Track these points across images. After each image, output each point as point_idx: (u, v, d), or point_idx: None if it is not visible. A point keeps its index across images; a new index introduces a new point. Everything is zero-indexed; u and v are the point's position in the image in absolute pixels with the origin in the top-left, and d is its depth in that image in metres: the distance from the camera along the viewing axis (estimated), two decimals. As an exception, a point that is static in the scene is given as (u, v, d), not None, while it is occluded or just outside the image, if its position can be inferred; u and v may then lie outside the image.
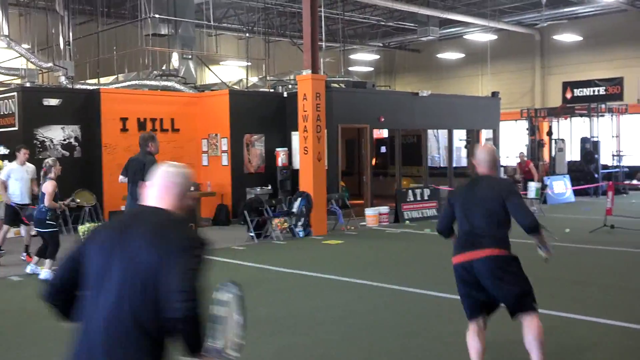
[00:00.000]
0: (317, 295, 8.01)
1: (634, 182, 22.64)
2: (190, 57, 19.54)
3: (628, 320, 6.46)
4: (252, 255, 11.02)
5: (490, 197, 4.60)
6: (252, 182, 15.76)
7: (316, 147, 13.21)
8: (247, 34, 24.20)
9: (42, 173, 9.29)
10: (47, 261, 9.00)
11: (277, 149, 15.92)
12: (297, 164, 14.49)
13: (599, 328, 6.34)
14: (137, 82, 17.91)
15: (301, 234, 12.90)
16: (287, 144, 16.19)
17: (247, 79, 21.40)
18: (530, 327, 4.48)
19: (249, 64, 23.40)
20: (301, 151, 13.40)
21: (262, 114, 16.32)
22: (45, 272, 8.94)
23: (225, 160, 15.75)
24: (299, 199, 13.01)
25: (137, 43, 19.42)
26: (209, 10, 19.31)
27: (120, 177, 8.37)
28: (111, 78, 20.01)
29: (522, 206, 4.62)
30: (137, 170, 7.94)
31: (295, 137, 14.60)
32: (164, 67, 19.69)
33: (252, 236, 12.45)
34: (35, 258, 9.37)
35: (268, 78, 21.05)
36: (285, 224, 12.92)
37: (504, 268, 4.58)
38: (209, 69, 23.59)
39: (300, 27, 14.81)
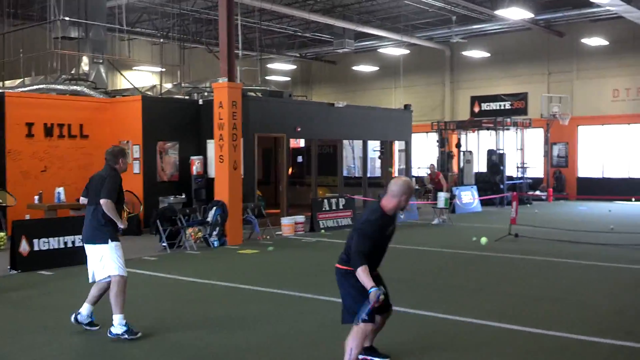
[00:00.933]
0: (231, 306, 7.93)
1: (537, 192, 23.84)
2: (101, 61, 18.94)
3: (530, 325, 6.76)
4: (164, 266, 10.78)
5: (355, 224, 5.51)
6: (165, 190, 15.44)
7: (232, 156, 13.12)
8: (162, 40, 23.74)
9: None
10: None
11: (192, 157, 15.69)
12: (212, 172, 14.33)
13: (501, 333, 6.61)
14: (44, 86, 17.16)
15: (216, 243, 12.74)
16: (202, 152, 15.99)
17: (160, 85, 20.96)
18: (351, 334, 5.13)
19: (163, 70, 22.96)
20: (217, 159, 13.26)
21: (176, 121, 16.05)
22: None
23: (137, 168, 15.35)
24: (214, 208, 12.86)
25: (45, 46, 18.64)
26: (122, 14, 18.82)
27: (81, 198, 6.92)
28: (17, 81, 19.08)
29: (354, 243, 5.07)
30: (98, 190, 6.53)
31: (211, 145, 14.45)
32: (73, 71, 18.98)
33: (164, 246, 12.18)
34: None
35: (183, 85, 20.71)
36: (200, 233, 12.72)
37: (341, 280, 5.31)
38: (121, 74, 22.96)
39: (217, 35, 14.68)
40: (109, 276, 6.44)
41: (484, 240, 12.32)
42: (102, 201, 6.35)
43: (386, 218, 5.13)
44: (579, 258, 10.99)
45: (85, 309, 6.62)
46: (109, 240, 6.42)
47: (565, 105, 23.98)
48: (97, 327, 6.63)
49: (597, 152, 24.87)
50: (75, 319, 6.62)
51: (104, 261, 6.44)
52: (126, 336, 6.27)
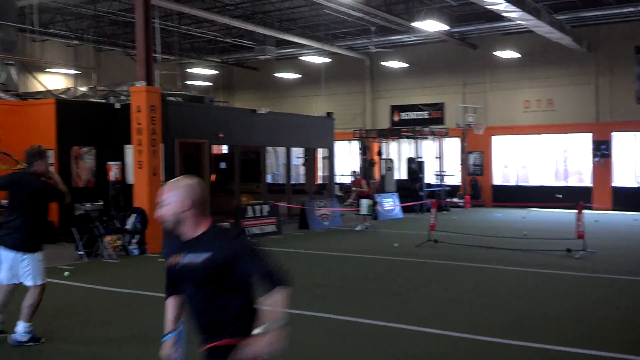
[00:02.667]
0: (151, 315, 7.67)
1: (455, 200, 24.54)
2: (12, 62, 18.05)
3: (447, 329, 6.89)
4: (81, 275, 10.33)
5: None
6: (81, 197, 14.81)
7: (151, 162, 12.77)
8: (76, 42, 22.90)
9: None
10: None
11: (109, 163, 15.12)
12: (131, 178, 13.88)
13: (419, 337, 6.70)
14: (-51, 86, 16.19)
15: (136, 251, 12.34)
16: (120, 157, 15.46)
17: (75, 88, 20.19)
18: None
19: (78, 72, 22.14)
20: (135, 165, 12.87)
21: (92, 126, 15.47)
22: None
23: (50, 173, 14.67)
24: (133, 215, 12.47)
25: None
26: (34, 14, 18.02)
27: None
28: None
29: (266, 263, 4.28)
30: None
31: (129, 150, 13.99)
32: (-19, 72, 18.00)
33: (81, 254, 11.69)
34: None
35: (98, 88, 20.03)
36: (119, 241, 12.29)
37: None
38: (33, 76, 21.98)
39: (134, 37, 14.27)
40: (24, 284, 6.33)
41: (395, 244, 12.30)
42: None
43: None
44: (494, 263, 11.35)
45: None
46: (35, 250, 6.31)
47: (480, 115, 24.84)
48: None
49: (511, 161, 25.87)
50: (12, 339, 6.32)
51: (27, 269, 6.26)
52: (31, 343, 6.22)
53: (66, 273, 10.22)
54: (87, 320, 7.39)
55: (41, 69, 24.01)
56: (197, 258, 3.11)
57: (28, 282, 6.27)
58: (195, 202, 3.14)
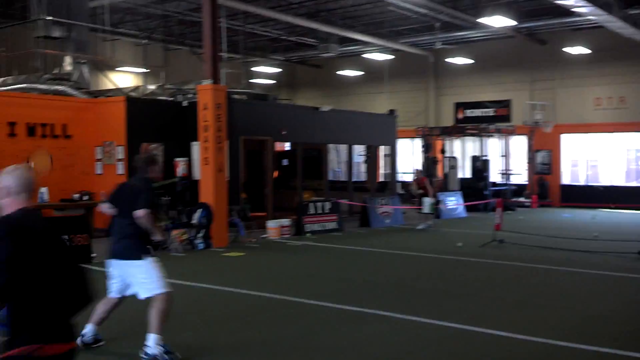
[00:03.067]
0: (215, 308, 7.82)
1: (521, 199, 23.97)
2: (84, 61, 18.70)
3: (513, 331, 6.74)
4: (149, 267, 10.62)
5: None
6: (149, 192, 15.24)
7: (217, 158, 13.01)
8: (145, 41, 23.54)
9: None
10: None
11: (176, 159, 15.50)
12: (197, 174, 14.19)
13: (483, 338, 6.58)
14: (26, 85, 16.91)
15: (201, 246, 12.61)
16: (186, 154, 15.81)
17: (144, 86, 20.77)
18: None
19: (147, 71, 22.76)
20: (202, 161, 13.14)
21: (160, 123, 15.88)
22: None
23: (120, 169, 15.15)
24: (199, 210, 12.74)
25: (28, 45, 18.39)
26: (106, 14, 18.63)
27: (104, 205, 6.18)
28: (-1, 80, 18.80)
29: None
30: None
31: (196, 147, 14.30)
32: (56, 71, 18.73)
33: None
34: None
35: (167, 86, 20.53)
36: (185, 235, 12.58)
37: None
38: (104, 74, 22.73)
39: (201, 37, 14.56)
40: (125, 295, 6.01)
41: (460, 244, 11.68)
42: (140, 212, 5.71)
43: None
44: (563, 265, 11.03)
45: (90, 330, 6.09)
46: (143, 256, 5.82)
47: (548, 112, 24.17)
48: (103, 342, 6.17)
49: (580, 160, 25.08)
50: (81, 342, 5.94)
51: (139, 279, 5.83)
52: (166, 357, 5.69)
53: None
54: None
55: (111, 67, 24.80)
56: None
57: (146, 293, 5.82)
58: (13, 189, 3.15)
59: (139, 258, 5.79)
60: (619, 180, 24.08)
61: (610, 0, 18.38)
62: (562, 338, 6.45)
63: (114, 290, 6.00)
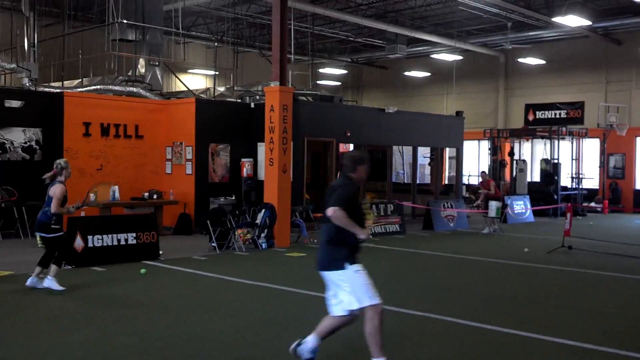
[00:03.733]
0: (278, 308, 7.96)
1: (592, 204, 23.18)
2: (157, 63, 19.34)
3: (584, 341, 6.57)
4: (213, 265, 10.91)
5: None
6: (216, 191, 15.65)
7: (282, 159, 13.20)
8: (216, 44, 24.11)
9: (50, 174, 8.49)
10: (53, 267, 8.36)
11: (243, 159, 15.85)
12: (262, 175, 14.45)
13: (552, 347, 6.44)
14: (101, 86, 17.65)
15: (264, 245, 12.83)
16: (252, 154, 16.14)
17: (214, 88, 21.28)
18: None
19: (217, 73, 23.31)
20: (267, 162, 13.36)
21: (228, 124, 16.25)
22: (49, 281, 8.34)
23: (189, 169, 15.61)
24: (263, 210, 12.96)
25: (104, 47, 19.17)
26: (178, 18, 19.19)
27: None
28: (75, 82, 19.68)
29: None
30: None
31: (261, 148, 14.57)
32: (129, 73, 19.46)
33: (214, 246, 12.33)
34: (38, 269, 8.52)
35: (235, 88, 20.97)
36: (248, 235, 12.83)
37: None
38: (176, 76, 23.41)
39: (270, 39, 14.84)
40: (349, 311, 5.24)
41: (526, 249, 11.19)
42: (330, 210, 5.05)
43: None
44: (635, 273, 10.63)
45: (311, 341, 5.43)
46: (346, 265, 5.16)
47: (623, 115, 23.27)
48: None
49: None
50: (295, 349, 5.46)
51: (343, 291, 5.21)
52: None
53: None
54: (215, 308, 7.80)
55: (183, 69, 25.54)
56: None
57: (350, 306, 5.19)
58: None
59: (339, 267, 5.14)
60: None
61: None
62: (635, 349, 6.23)
63: (332, 305, 5.34)
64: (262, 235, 12.85)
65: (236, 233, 12.61)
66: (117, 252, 10.80)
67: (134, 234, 11.09)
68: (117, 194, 13.91)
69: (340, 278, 5.19)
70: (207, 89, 21.93)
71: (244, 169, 15.72)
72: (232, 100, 18.94)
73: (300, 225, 14.02)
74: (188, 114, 15.78)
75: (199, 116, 15.66)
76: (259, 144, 15.62)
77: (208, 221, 12.46)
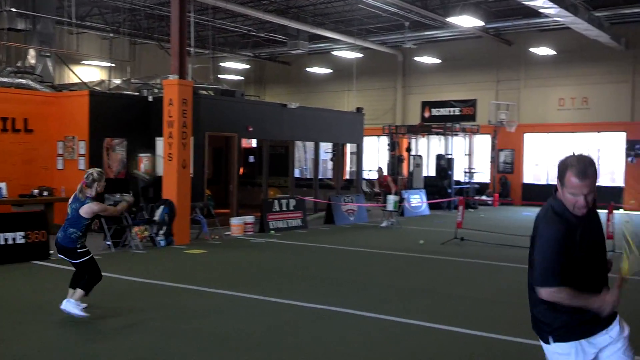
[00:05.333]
0: (174, 306, 7.82)
1: (483, 197, 24.33)
2: (48, 54, 18.44)
3: (475, 328, 6.88)
4: (108, 265, 10.52)
5: None
6: (112, 188, 15.11)
7: (181, 154, 12.96)
8: (112, 34, 23.29)
9: (78, 188, 7.14)
10: (78, 292, 7.04)
11: (140, 155, 15.42)
12: (160, 170, 14.12)
13: (441, 335, 6.71)
14: (-13, 77, 16.62)
15: (162, 243, 12.56)
16: (150, 149, 15.74)
17: (109, 80, 20.55)
18: None
19: (113, 65, 22.53)
20: (165, 157, 13.08)
21: (124, 118, 15.75)
22: (71, 304, 6.96)
23: (82, 164, 14.99)
24: (162, 207, 12.68)
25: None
26: (71, 7, 18.38)
27: None
28: (-42, 72, 18.41)
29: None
30: None
31: (160, 143, 14.23)
32: (19, 64, 18.43)
33: (109, 245, 11.93)
34: (71, 291, 7.18)
35: (132, 81, 20.35)
36: (146, 232, 12.51)
37: None
38: (69, 68, 22.42)
39: (169, 31, 14.49)
40: None
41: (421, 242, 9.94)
42: (542, 293, 3.30)
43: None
44: (522, 262, 11.22)
45: None
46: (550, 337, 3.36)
47: (513, 112, 24.54)
48: None
49: (542, 159, 25.51)
50: None
51: None
52: None
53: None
54: (112, 309, 7.57)
55: (77, 61, 24.48)
56: None
57: None
58: None
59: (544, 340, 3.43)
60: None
61: (577, 2, 18.74)
62: (519, 334, 6.59)
63: None
64: (161, 232, 12.57)
65: (133, 231, 12.26)
66: (3, 252, 10.24)
67: (23, 233, 10.56)
68: (4, 191, 13.18)
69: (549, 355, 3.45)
70: (102, 82, 21.13)
71: (142, 165, 15.31)
72: (129, 93, 18.36)
73: (201, 222, 13.84)
74: (81, 107, 15.16)
75: (93, 109, 15.07)
76: (157, 138, 15.25)
77: (103, 219, 12.04)
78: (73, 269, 7.33)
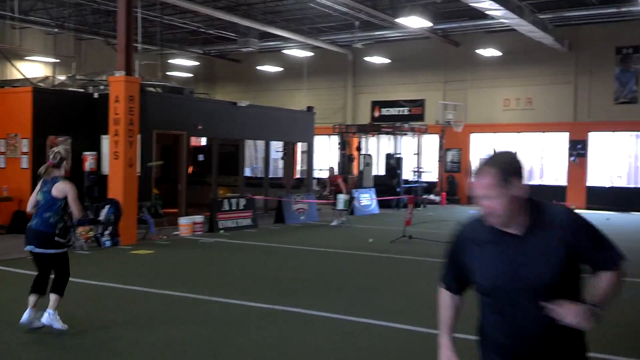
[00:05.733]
0: (119, 308, 7.67)
1: (432, 196, 24.70)
2: (-11, 49, 17.86)
3: (422, 325, 6.98)
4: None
5: None
6: (56, 187, 14.73)
7: (128, 152, 12.72)
8: (56, 30, 22.67)
9: (45, 167, 6.46)
10: (53, 297, 6.21)
11: (85, 153, 15.05)
12: (106, 169, 13.82)
13: (389, 332, 6.78)
14: None
15: (108, 243, 12.30)
16: (96, 147, 15.38)
17: (54, 76, 20.01)
18: None
19: (57, 61, 21.93)
20: (111, 156, 12.81)
21: (69, 115, 15.38)
22: (50, 316, 6.18)
23: (25, 162, 14.57)
24: (107, 206, 12.42)
25: None
26: (14, 1, 17.82)
27: None
28: None
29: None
30: None
31: (106, 141, 13.92)
32: (-43, 58, 17.80)
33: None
34: (33, 297, 6.27)
35: (78, 77, 19.85)
36: (91, 232, 12.23)
37: None
38: (11, 63, 21.73)
39: (115, 26, 14.19)
40: None
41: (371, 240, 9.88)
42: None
43: None
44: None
45: None
46: None
47: (460, 112, 24.98)
48: None
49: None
50: None
51: None
52: None
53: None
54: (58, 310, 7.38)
55: (20, 56, 23.74)
56: None
57: None
58: None
59: None
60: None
61: (522, 4, 19.20)
62: (467, 331, 6.70)
63: None
64: (106, 232, 12.32)
65: (77, 231, 11.96)
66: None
67: (-40, 234, 10.17)
68: (-60, 191, 12.68)
69: None
70: (46, 78, 20.57)
71: (87, 163, 14.94)
72: (74, 90, 17.91)
73: (148, 222, 13.60)
74: (24, 104, 14.71)
75: (36, 106, 14.66)
76: (103, 136, 14.90)
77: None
78: (26, 271, 7.04)
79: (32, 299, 6.27)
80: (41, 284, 6.37)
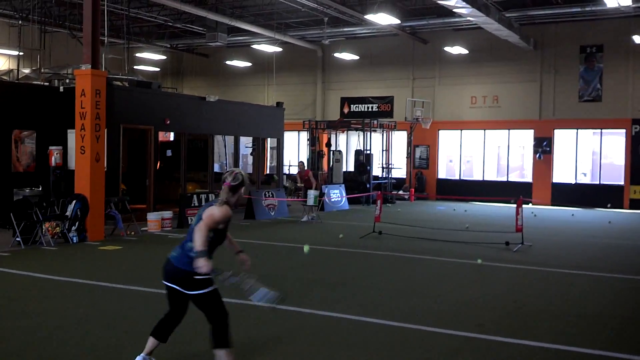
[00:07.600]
0: (87, 303, 7.56)
1: (400, 192, 24.88)
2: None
3: (388, 319, 7.03)
4: (17, 262, 10.09)
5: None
6: (21, 182, 14.45)
7: (94, 147, 12.53)
8: (20, 22, 22.18)
9: (223, 189, 5.08)
10: (219, 354, 5.00)
11: (51, 147, 14.77)
12: (73, 164, 13.59)
13: (360, 326, 6.82)
14: None
15: (75, 239, 12.11)
16: (62, 142, 15.11)
17: (18, 69, 19.59)
18: None
19: (21, 53, 21.47)
20: (77, 150, 12.61)
21: (34, 109, 15.09)
22: None
23: (-12, 157, 14.25)
24: (74, 202, 12.23)
25: None
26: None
27: None
28: None
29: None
30: None
31: (72, 135, 13.70)
32: None
33: (18, 241, 11.41)
34: (152, 342, 5.21)
35: (43, 70, 19.48)
36: (57, 228, 12.02)
37: None
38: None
39: (81, 19, 13.96)
40: None
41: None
42: None
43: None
44: (436, 254, 11.59)
45: None
46: None
47: (428, 109, 25.19)
48: None
49: (456, 156, 26.33)
50: None
51: None
52: None
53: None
54: (21, 309, 7.24)
55: (-18, 48, 23.17)
56: None
57: None
58: None
59: None
60: (491, 176, 25.54)
61: (488, 3, 19.43)
62: (434, 324, 6.78)
63: None
64: (73, 228, 12.13)
65: (44, 226, 11.76)
66: None
67: None
68: None
69: None
70: (10, 71, 20.16)
71: (53, 158, 14.66)
72: (39, 83, 17.57)
73: (116, 217, 13.43)
74: (-13, 97, 14.38)
75: (0, 100, 14.33)
76: (69, 130, 14.67)
77: (11, 214, 11.48)
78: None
79: (150, 343, 5.35)
80: (166, 327, 5.45)
